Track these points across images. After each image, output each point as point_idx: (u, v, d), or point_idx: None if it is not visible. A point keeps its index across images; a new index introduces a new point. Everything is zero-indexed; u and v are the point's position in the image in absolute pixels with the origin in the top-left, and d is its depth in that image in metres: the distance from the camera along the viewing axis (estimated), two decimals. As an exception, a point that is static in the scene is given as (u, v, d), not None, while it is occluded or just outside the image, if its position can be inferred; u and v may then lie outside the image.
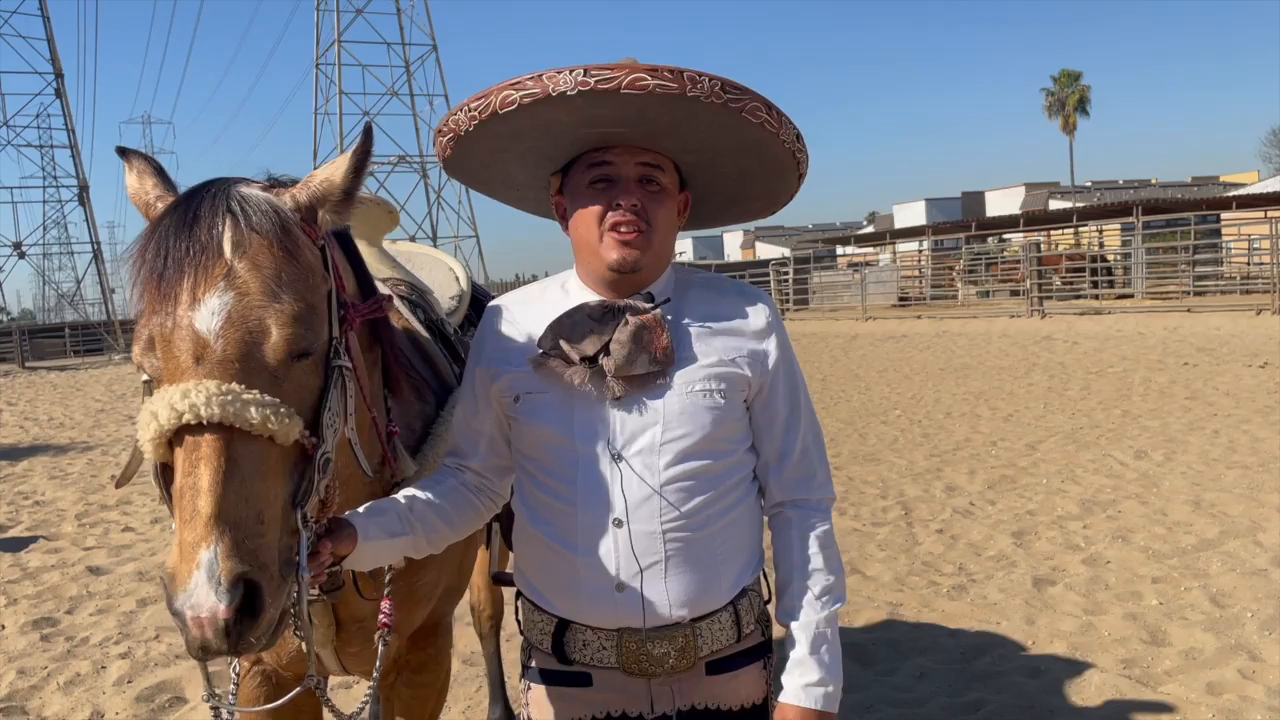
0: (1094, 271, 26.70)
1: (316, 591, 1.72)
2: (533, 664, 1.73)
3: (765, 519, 1.73)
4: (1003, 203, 49.13)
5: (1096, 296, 25.26)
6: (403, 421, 1.85)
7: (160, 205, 1.47)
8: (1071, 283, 26.81)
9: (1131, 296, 25.04)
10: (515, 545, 1.77)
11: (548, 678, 1.69)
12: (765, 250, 59.34)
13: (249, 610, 1.24)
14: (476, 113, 1.55)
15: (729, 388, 1.61)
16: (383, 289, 2.04)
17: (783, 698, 1.62)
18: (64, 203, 56.78)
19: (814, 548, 1.66)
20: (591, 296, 1.65)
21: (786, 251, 44.02)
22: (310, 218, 1.49)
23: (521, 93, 1.49)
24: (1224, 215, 29.88)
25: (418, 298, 2.47)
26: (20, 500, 8.55)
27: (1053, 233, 34.33)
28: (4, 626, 5.09)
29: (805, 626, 1.62)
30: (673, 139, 1.59)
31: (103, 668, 4.43)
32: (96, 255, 53.95)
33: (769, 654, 1.73)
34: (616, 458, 1.57)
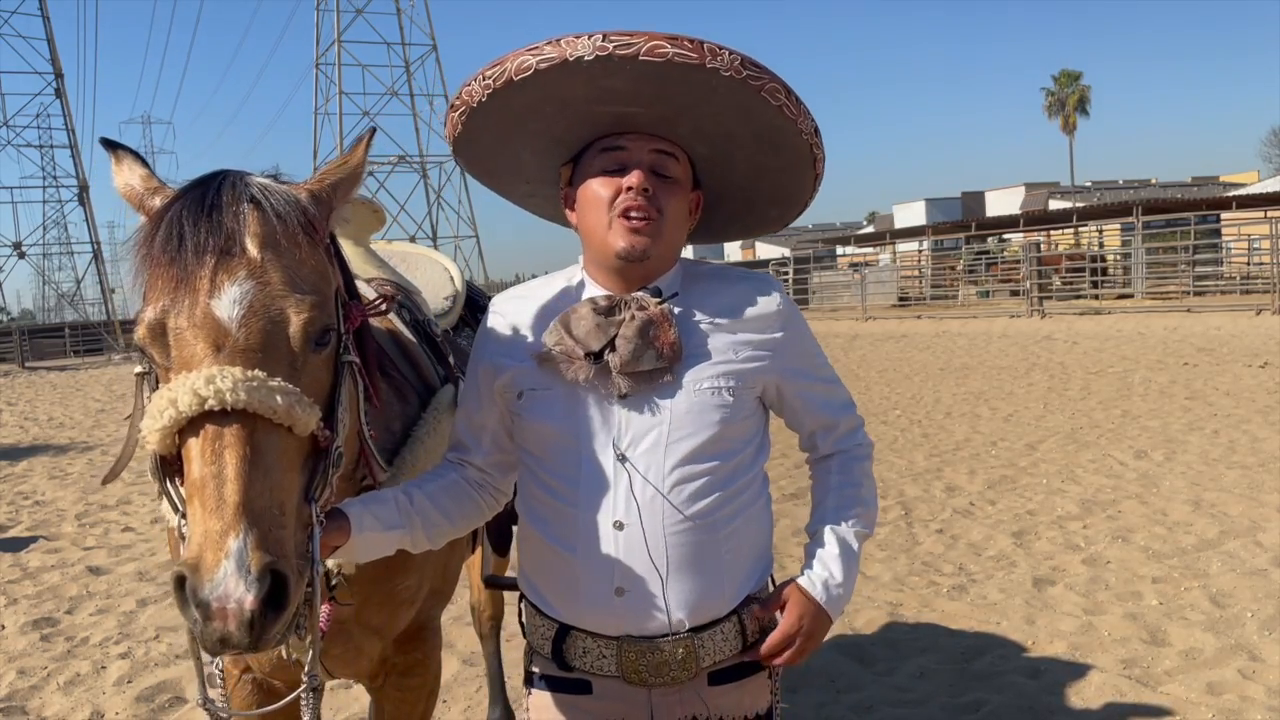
0: (1093, 271, 26.70)
1: None
2: (535, 669, 1.70)
3: (809, 466, 1.78)
4: (1003, 203, 49.09)
5: (1096, 296, 25.26)
6: (381, 423, 1.83)
7: (157, 198, 1.44)
8: (1071, 283, 26.81)
9: (1131, 296, 25.04)
10: (519, 546, 1.74)
11: (549, 684, 1.66)
12: (765, 250, 59.29)
13: (275, 603, 1.22)
14: (491, 80, 1.51)
15: (739, 385, 1.58)
16: (366, 290, 2.05)
17: (801, 582, 1.62)
18: (64, 203, 56.74)
19: (855, 474, 1.71)
20: (597, 290, 1.62)
21: (786, 251, 44.00)
22: (325, 214, 1.49)
23: (538, 58, 1.46)
24: (1224, 215, 29.86)
25: (403, 297, 2.47)
26: (20, 500, 8.55)
27: (1053, 233, 34.32)
28: (4, 626, 5.09)
29: (839, 533, 1.65)
30: (688, 122, 1.55)
31: (103, 668, 4.43)
32: (96, 255, 53.92)
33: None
34: (621, 458, 1.53)
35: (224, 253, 1.34)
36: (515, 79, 1.48)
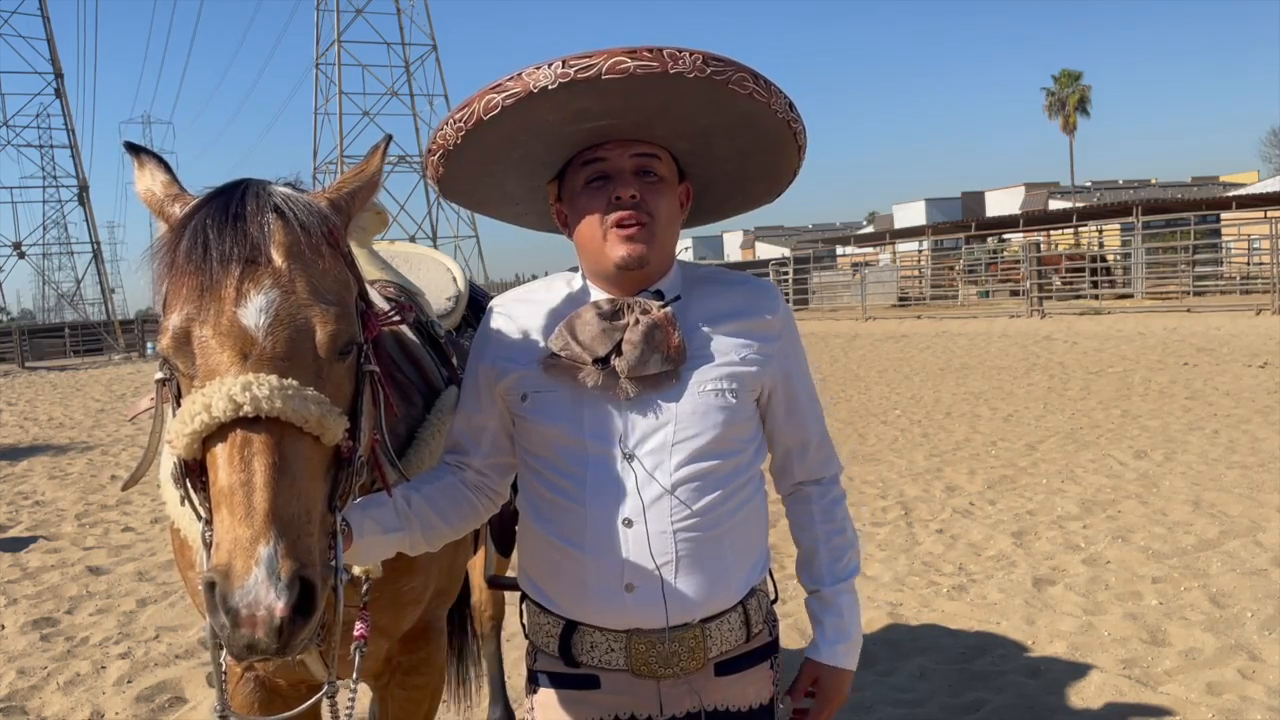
0: (1093, 271, 26.71)
1: None
2: (538, 667, 1.70)
3: (783, 501, 1.78)
4: (1003, 203, 49.10)
5: (1096, 296, 25.27)
6: (386, 426, 1.84)
7: (177, 205, 1.44)
8: (1071, 283, 26.82)
9: (1131, 296, 25.05)
10: (520, 546, 1.75)
11: (554, 681, 1.67)
12: (765, 250, 59.32)
13: (303, 609, 1.22)
14: (462, 123, 1.53)
15: (740, 387, 1.60)
16: (375, 296, 2.05)
17: (820, 657, 1.70)
18: (64, 203, 56.95)
19: (838, 518, 1.75)
20: (599, 294, 1.63)
21: (786, 251, 43.99)
22: (345, 223, 1.50)
23: (503, 94, 1.47)
24: (1224, 215, 29.87)
25: (406, 299, 2.47)
26: (20, 500, 8.54)
27: (1053, 233, 34.34)
28: (4, 626, 5.09)
29: (840, 591, 1.71)
30: (663, 124, 1.56)
31: (103, 668, 4.43)
32: (96, 255, 53.99)
33: (776, 653, 1.73)
34: (629, 457, 1.55)
35: (249, 262, 1.33)
36: (484, 118, 1.50)
